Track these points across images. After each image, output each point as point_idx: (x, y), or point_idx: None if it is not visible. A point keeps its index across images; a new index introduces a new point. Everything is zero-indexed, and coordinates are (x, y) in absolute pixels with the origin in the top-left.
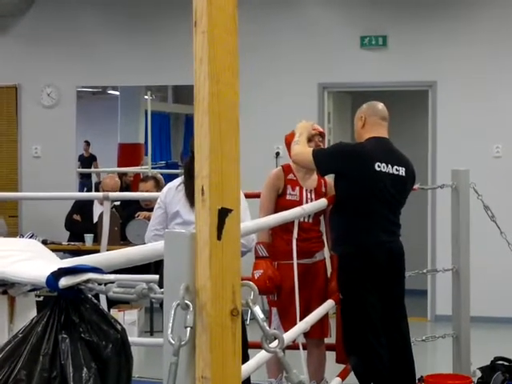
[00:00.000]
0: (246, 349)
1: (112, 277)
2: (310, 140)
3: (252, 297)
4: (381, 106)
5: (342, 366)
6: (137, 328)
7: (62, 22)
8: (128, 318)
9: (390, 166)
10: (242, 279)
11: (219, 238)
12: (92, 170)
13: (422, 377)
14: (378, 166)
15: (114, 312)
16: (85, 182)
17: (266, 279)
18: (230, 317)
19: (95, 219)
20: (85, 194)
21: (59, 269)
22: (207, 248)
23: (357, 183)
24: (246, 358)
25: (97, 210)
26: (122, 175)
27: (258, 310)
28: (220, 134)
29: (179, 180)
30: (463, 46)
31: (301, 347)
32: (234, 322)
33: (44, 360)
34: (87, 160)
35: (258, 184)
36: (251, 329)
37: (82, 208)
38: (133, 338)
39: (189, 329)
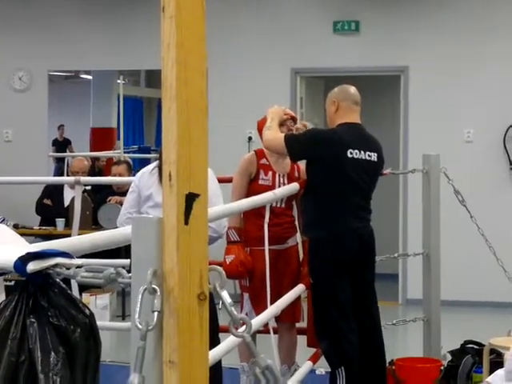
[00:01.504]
0: (217, 333)
1: (80, 261)
2: (281, 125)
3: (220, 281)
4: (353, 89)
5: (313, 350)
6: (109, 312)
7: (34, 6)
8: (100, 302)
9: (362, 152)
10: (214, 264)
11: (186, 222)
12: (64, 154)
13: (392, 360)
14: (351, 153)
15: (85, 296)
16: (60, 166)
17: (237, 264)
18: (197, 301)
19: (66, 203)
20: (56, 179)
21: (27, 253)
22: (174, 233)
23: (329, 170)
24: (216, 343)
25: (67, 194)
26: (94, 159)
27: (225, 294)
28: (188, 119)
29: (154, 164)
30: (435, 31)
31: (271, 331)
32: (202, 306)
33: (12, 344)
34: (62, 144)
35: (231, 168)
36: (224, 313)
37: (53, 192)
38: (104, 322)
39: (156, 313)
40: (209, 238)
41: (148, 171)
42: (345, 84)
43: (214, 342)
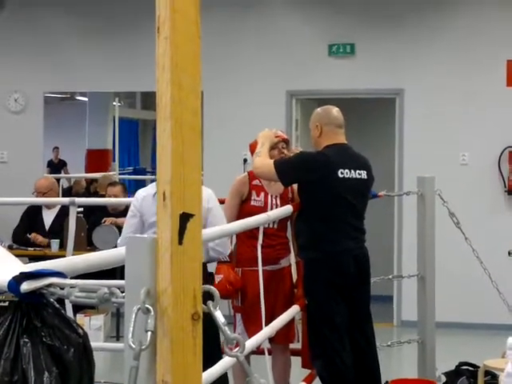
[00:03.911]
0: (220, 352)
1: (74, 281)
2: (273, 148)
3: (214, 301)
4: (335, 111)
5: (308, 371)
6: (103, 333)
7: (30, 28)
8: (94, 323)
9: (352, 171)
10: None
11: (180, 242)
12: (59, 175)
13: (387, 382)
14: (341, 173)
15: (80, 317)
16: None
17: (226, 283)
18: (190, 321)
19: (47, 226)
20: (50, 200)
21: (21, 273)
22: (168, 252)
23: (321, 191)
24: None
25: (46, 216)
26: (90, 181)
27: (219, 314)
28: (182, 139)
29: (154, 187)
30: (430, 53)
31: (266, 352)
32: (195, 326)
33: (5, 364)
34: (57, 166)
35: (227, 190)
36: None
37: (32, 217)
38: (98, 343)
39: (149, 333)
40: (213, 259)
41: (150, 195)
42: (340, 106)
43: (218, 358)
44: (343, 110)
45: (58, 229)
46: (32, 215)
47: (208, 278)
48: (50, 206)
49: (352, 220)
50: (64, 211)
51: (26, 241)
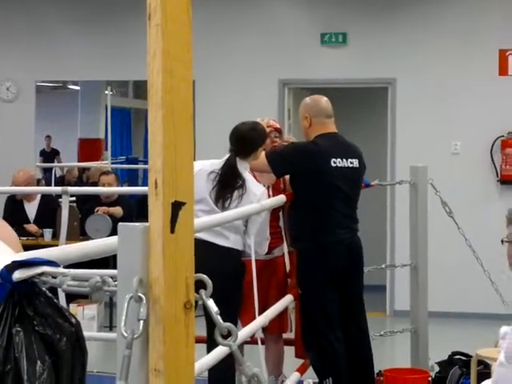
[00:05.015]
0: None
1: (66, 270)
2: None
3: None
4: (324, 101)
5: (301, 361)
6: (96, 323)
7: (22, 16)
8: (87, 313)
9: (344, 159)
10: None
11: (172, 231)
12: (52, 164)
13: (380, 371)
14: (334, 162)
15: (73, 307)
16: (48, 177)
17: None
18: (183, 309)
19: (31, 217)
20: (42, 189)
21: (13, 262)
22: (160, 241)
23: (314, 181)
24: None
25: (28, 209)
26: (83, 170)
27: (211, 303)
28: (173, 128)
29: (210, 166)
30: (422, 43)
31: (259, 342)
32: (187, 314)
33: None
34: (49, 154)
35: None
36: None
37: (14, 209)
38: (92, 332)
39: (142, 321)
40: (247, 255)
41: (206, 172)
42: (332, 96)
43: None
44: (335, 99)
45: (44, 220)
46: (14, 208)
47: (240, 266)
48: (29, 199)
49: (345, 209)
50: (45, 202)
51: (18, 232)
